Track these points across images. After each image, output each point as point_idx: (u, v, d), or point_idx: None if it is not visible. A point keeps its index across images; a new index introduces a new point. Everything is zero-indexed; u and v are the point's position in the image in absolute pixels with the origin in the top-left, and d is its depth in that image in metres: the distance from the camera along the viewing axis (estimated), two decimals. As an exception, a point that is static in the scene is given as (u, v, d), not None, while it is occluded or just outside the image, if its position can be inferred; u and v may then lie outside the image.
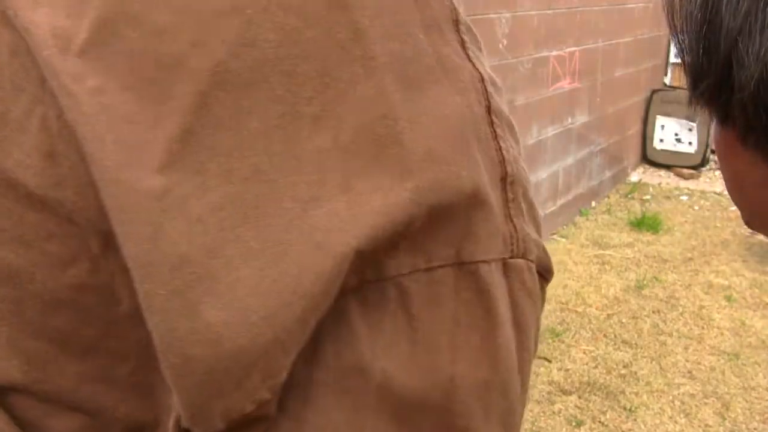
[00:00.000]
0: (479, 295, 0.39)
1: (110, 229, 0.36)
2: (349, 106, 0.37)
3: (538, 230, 0.45)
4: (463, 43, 0.43)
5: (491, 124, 0.42)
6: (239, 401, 0.35)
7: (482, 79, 0.42)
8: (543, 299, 0.45)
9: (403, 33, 0.39)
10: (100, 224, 0.36)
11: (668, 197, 5.32)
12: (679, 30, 0.47)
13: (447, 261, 0.38)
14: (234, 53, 0.36)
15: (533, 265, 0.42)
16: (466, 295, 0.39)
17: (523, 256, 0.42)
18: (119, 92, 0.36)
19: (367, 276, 0.37)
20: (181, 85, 0.36)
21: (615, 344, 3.28)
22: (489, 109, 0.42)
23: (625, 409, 2.84)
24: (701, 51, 0.45)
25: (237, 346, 0.34)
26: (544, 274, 0.45)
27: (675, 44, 0.48)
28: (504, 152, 0.42)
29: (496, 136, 0.42)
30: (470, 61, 0.42)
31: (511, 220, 0.41)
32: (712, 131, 0.53)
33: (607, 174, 5.28)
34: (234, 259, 0.35)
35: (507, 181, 0.41)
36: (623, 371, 3.08)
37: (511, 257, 0.41)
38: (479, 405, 0.39)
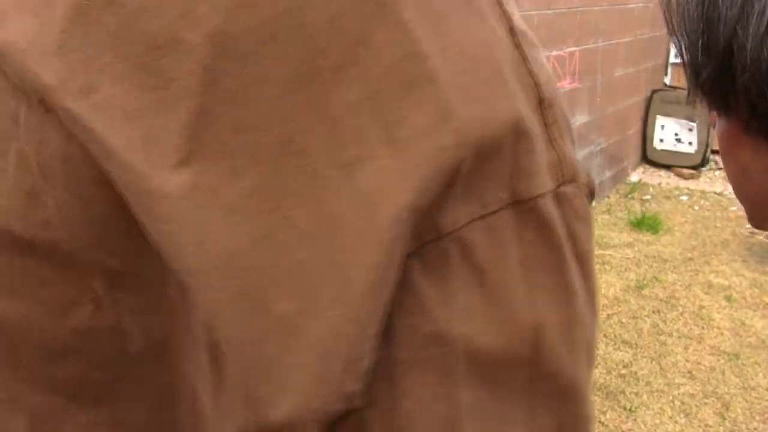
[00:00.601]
0: (541, 232, 0.36)
1: (115, 267, 0.34)
2: (369, 51, 0.33)
3: (574, 149, 0.41)
4: None
5: (517, 46, 0.38)
6: (327, 398, 0.32)
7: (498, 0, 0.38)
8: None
9: None
10: (103, 262, 0.34)
11: (668, 197, 5.31)
12: (677, 29, 0.48)
13: (503, 203, 0.35)
14: (231, 17, 0.32)
15: (583, 189, 0.39)
16: (529, 236, 0.36)
17: (572, 182, 0.38)
18: (111, 86, 0.32)
19: (426, 236, 0.33)
20: (181, 64, 0.32)
21: (615, 344, 3.28)
22: (512, 31, 0.38)
23: (625, 409, 2.84)
24: (701, 46, 0.46)
25: (314, 335, 0.32)
26: (593, 193, 0.41)
27: (674, 44, 0.50)
28: (536, 75, 0.38)
29: (525, 59, 0.37)
30: None
31: (554, 146, 0.38)
32: (715, 129, 0.53)
33: (607, 174, 5.28)
34: (287, 244, 0.32)
35: (544, 104, 0.38)
36: (623, 371, 3.08)
37: (561, 185, 0.38)
38: (565, 346, 0.36)
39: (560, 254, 0.36)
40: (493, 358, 0.34)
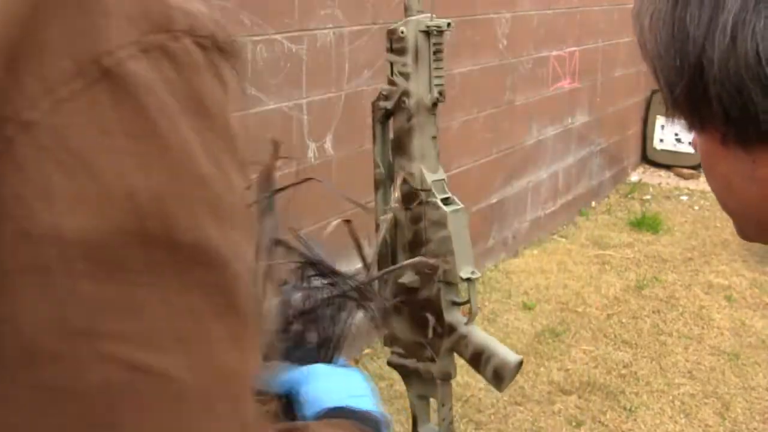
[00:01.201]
0: (121, 93, 0.34)
1: None
2: None
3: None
4: None
5: None
6: None
7: None
8: (227, 73, 0.39)
9: None
10: None
11: (668, 197, 5.32)
12: (651, 53, 0.53)
13: (69, 73, 0.33)
14: None
15: (184, 35, 0.36)
16: (107, 101, 0.33)
17: (167, 30, 0.35)
18: None
19: None
20: None
21: (615, 344, 3.28)
22: None
23: (625, 409, 2.84)
24: (674, 66, 0.50)
25: None
26: (219, 45, 0.38)
27: (649, 68, 0.54)
28: None
29: None
30: None
31: None
32: (697, 147, 0.56)
33: (607, 174, 5.28)
34: None
35: None
36: (623, 371, 3.08)
37: (151, 36, 0.35)
38: (176, 209, 0.34)
39: (147, 112, 0.34)
40: (102, 241, 0.33)
